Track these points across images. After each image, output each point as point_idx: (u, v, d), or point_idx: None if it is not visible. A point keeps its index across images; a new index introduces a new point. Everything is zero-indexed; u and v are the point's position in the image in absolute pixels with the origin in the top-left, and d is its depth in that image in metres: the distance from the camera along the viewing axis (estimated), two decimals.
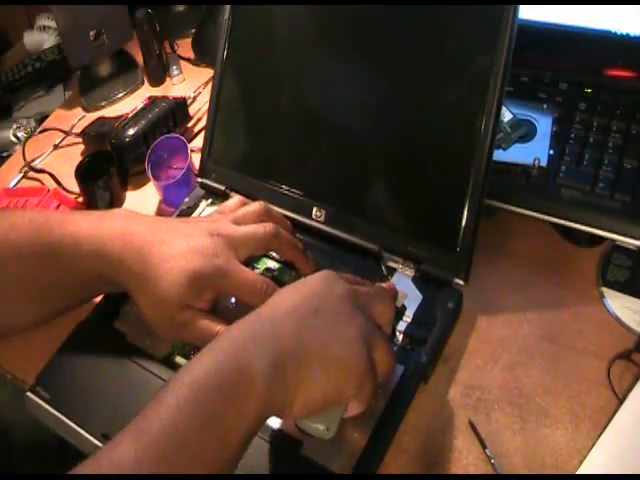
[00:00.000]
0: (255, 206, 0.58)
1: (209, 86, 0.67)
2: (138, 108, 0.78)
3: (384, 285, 0.54)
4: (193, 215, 0.66)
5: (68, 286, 0.55)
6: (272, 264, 0.60)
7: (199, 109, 0.85)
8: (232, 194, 0.65)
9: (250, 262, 0.60)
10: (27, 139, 0.87)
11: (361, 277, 0.57)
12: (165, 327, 0.52)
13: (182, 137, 0.74)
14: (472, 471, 0.51)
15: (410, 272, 0.57)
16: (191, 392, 0.39)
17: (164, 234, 0.52)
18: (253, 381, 0.40)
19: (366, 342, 0.45)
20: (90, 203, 0.75)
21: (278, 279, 0.59)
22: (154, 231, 0.53)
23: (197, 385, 0.40)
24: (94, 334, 0.57)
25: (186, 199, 0.67)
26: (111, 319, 0.58)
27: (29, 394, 0.55)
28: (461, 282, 0.55)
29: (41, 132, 0.88)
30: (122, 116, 0.79)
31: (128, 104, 0.89)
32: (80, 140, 0.85)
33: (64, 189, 0.78)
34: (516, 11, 0.51)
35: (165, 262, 0.50)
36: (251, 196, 0.64)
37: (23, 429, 0.72)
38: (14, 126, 0.93)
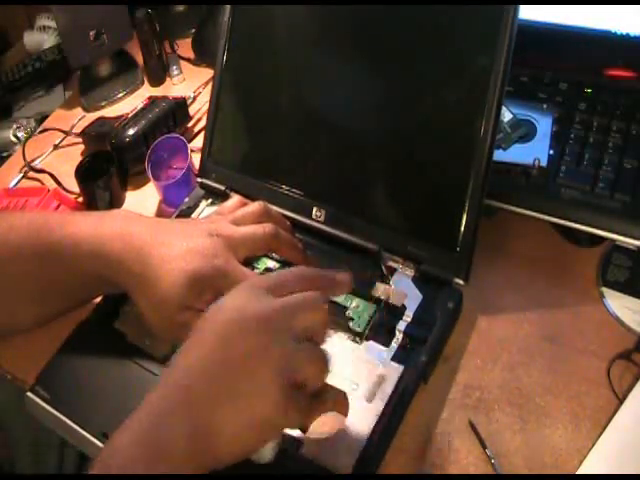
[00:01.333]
0: (254, 206, 0.58)
1: (209, 86, 0.67)
2: (138, 108, 0.78)
3: (338, 275, 0.49)
4: (193, 215, 0.65)
5: (68, 287, 0.55)
6: (272, 264, 0.60)
7: (199, 109, 0.85)
8: (232, 194, 0.65)
9: (250, 262, 0.60)
10: (27, 139, 0.87)
11: (361, 277, 0.57)
12: (165, 327, 0.52)
13: (182, 137, 0.74)
14: (472, 471, 0.51)
15: (410, 272, 0.57)
16: (121, 464, 0.39)
17: (164, 235, 0.52)
18: (172, 455, 0.40)
19: (284, 374, 0.41)
20: (90, 203, 0.75)
21: None
22: (154, 232, 0.53)
23: (124, 460, 0.39)
24: (94, 334, 0.57)
25: (186, 199, 0.67)
26: (111, 319, 0.58)
27: (29, 394, 0.55)
28: (461, 282, 0.55)
29: (41, 132, 0.88)
30: (122, 116, 0.79)
31: (128, 104, 0.89)
32: (80, 140, 0.85)
33: (64, 189, 0.78)
34: (516, 11, 0.51)
35: (165, 263, 0.50)
36: (251, 196, 0.64)
37: (23, 429, 0.72)
38: (14, 126, 0.93)
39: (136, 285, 0.51)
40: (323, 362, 0.44)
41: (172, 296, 0.50)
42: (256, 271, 0.59)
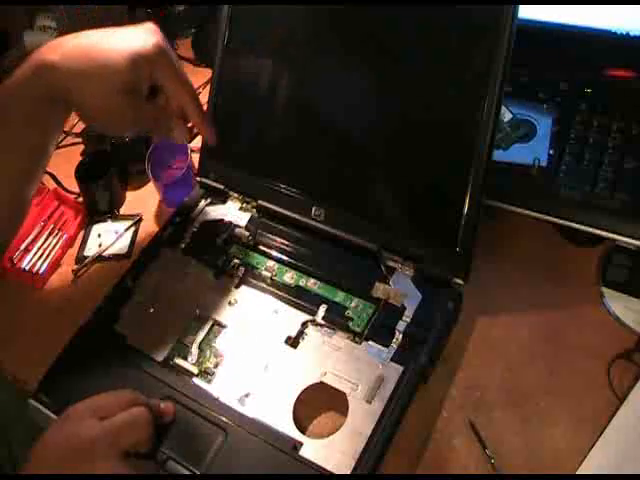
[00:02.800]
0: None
1: (209, 86, 0.67)
2: None
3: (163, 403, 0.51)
4: (192, 214, 0.65)
5: (24, 135, 0.55)
6: (271, 263, 0.60)
7: None
8: (232, 194, 0.66)
9: (250, 262, 0.61)
10: None
11: (360, 277, 0.57)
12: (112, 118, 0.54)
13: None
14: (472, 471, 0.51)
15: (410, 271, 0.57)
16: None
17: (102, 31, 0.54)
18: None
19: None
20: (90, 203, 0.75)
21: (277, 279, 0.59)
22: (90, 34, 0.54)
23: None
24: (95, 337, 0.57)
25: (186, 199, 0.67)
26: (111, 322, 0.58)
27: (31, 401, 0.54)
28: (461, 282, 0.55)
29: None
30: None
31: None
32: (80, 140, 0.85)
33: (64, 189, 0.78)
34: (516, 11, 0.51)
35: (108, 52, 0.52)
36: (250, 195, 0.64)
37: (24, 430, 0.72)
38: None
39: (79, 75, 0.52)
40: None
41: (117, 73, 0.52)
42: (255, 271, 0.60)
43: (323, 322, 0.56)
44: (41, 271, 0.68)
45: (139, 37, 0.53)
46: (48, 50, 0.53)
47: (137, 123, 0.56)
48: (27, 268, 0.68)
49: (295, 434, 0.50)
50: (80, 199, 0.77)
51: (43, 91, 0.53)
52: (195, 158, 0.72)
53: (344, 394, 0.52)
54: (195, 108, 0.57)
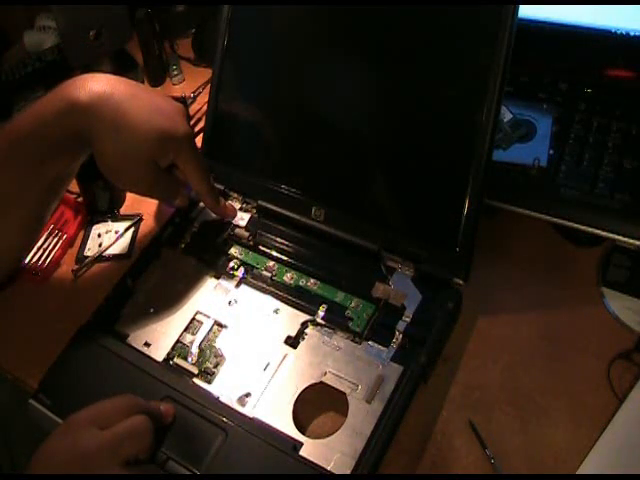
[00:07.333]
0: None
1: (209, 86, 0.67)
2: None
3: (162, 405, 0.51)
4: (192, 213, 0.65)
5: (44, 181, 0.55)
6: (271, 263, 0.60)
7: (199, 109, 0.85)
8: (232, 194, 0.66)
9: (250, 262, 0.61)
10: None
11: (360, 277, 0.57)
12: (126, 177, 0.56)
13: None
14: (472, 471, 0.51)
15: (410, 272, 0.57)
16: None
17: (131, 87, 0.54)
18: None
19: None
20: (90, 203, 0.74)
21: (277, 279, 0.59)
22: (116, 82, 0.54)
23: None
24: (95, 337, 0.57)
25: None
26: (111, 322, 0.58)
27: (32, 401, 0.54)
28: (461, 282, 0.55)
29: None
30: None
31: None
32: None
33: None
34: (516, 11, 0.51)
35: (140, 115, 0.53)
36: (250, 196, 0.64)
37: (23, 429, 0.72)
38: None
39: (108, 130, 0.52)
40: None
41: (144, 145, 0.53)
42: (255, 270, 0.60)
43: (323, 322, 0.56)
44: (41, 271, 0.68)
45: (171, 118, 0.54)
46: (78, 90, 0.52)
47: (149, 190, 0.58)
48: (27, 268, 0.68)
49: (295, 434, 0.50)
50: (80, 199, 0.77)
51: (70, 129, 0.53)
52: None
53: (344, 394, 0.52)
54: (211, 201, 0.60)
